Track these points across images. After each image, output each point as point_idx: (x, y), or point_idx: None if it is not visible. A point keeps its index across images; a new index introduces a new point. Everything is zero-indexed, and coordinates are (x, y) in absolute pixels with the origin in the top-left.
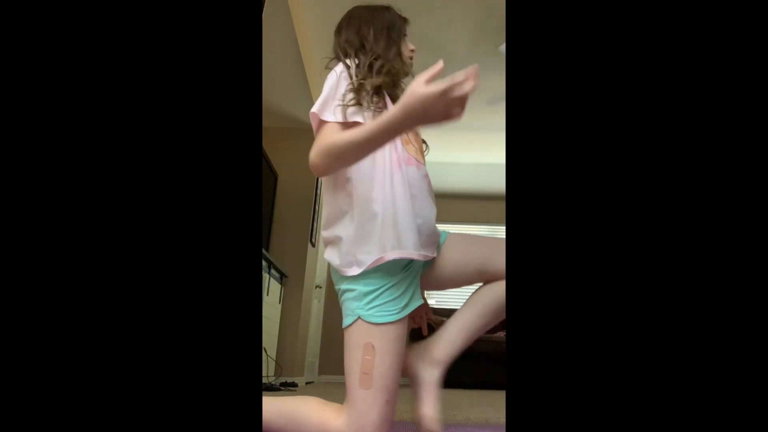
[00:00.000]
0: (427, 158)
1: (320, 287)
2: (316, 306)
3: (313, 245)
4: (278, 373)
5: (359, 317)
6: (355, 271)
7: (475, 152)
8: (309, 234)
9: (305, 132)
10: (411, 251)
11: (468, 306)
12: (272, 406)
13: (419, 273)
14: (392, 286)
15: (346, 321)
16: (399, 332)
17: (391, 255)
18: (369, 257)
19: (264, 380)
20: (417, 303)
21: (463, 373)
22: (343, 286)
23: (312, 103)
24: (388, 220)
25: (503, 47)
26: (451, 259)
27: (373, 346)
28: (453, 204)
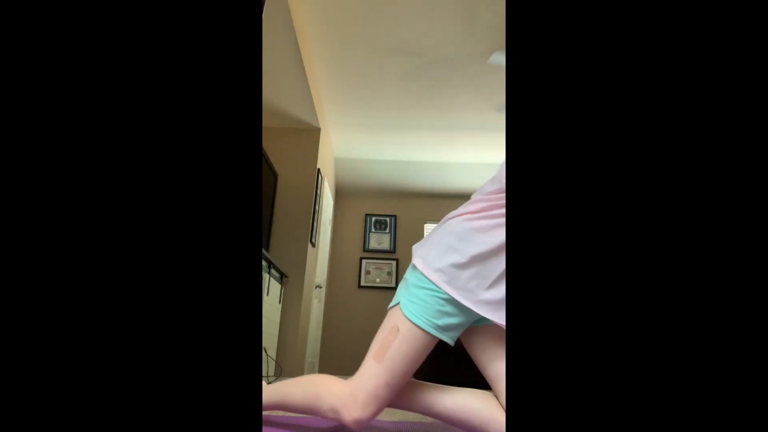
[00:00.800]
0: (427, 158)
1: (320, 287)
2: (316, 306)
3: (313, 245)
4: (278, 373)
5: (399, 303)
6: (418, 262)
7: (475, 152)
8: (309, 234)
9: (305, 132)
10: (448, 287)
11: (453, 402)
12: (290, 383)
13: (472, 315)
14: (439, 297)
15: (392, 303)
16: (427, 340)
17: (431, 274)
18: (428, 260)
19: (264, 380)
20: (449, 338)
21: (462, 373)
22: (408, 272)
23: (312, 103)
24: (456, 248)
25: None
26: (488, 342)
27: (398, 330)
28: (453, 204)
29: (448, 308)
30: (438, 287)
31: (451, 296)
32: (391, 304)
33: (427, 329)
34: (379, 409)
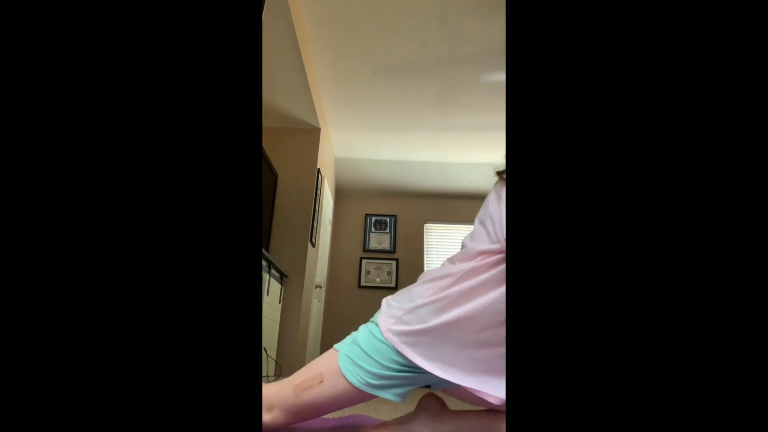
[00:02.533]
0: (427, 158)
1: (320, 287)
2: (316, 306)
3: (313, 245)
4: (278, 373)
5: (336, 351)
6: (382, 318)
7: (475, 152)
8: (309, 234)
9: (305, 132)
10: (403, 347)
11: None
12: None
13: (418, 381)
14: (375, 362)
15: (337, 344)
16: (351, 394)
17: (388, 328)
18: (386, 318)
19: (264, 380)
20: (389, 396)
21: None
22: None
23: (312, 103)
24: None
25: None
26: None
27: (322, 381)
28: (453, 204)
29: (386, 371)
30: (378, 356)
31: (390, 361)
32: (336, 345)
33: (359, 389)
34: (289, 421)
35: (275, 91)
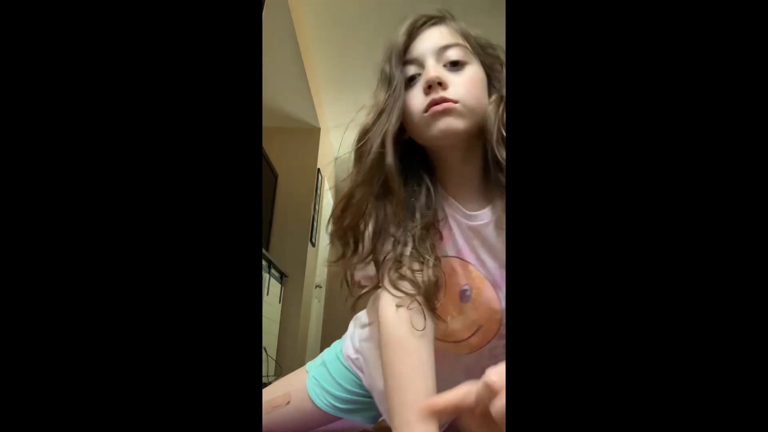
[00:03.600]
0: None
1: (320, 287)
2: (316, 306)
3: (313, 245)
4: (278, 373)
5: (307, 372)
6: (346, 342)
7: None
8: (309, 234)
9: (305, 132)
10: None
11: None
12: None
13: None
14: (340, 386)
15: (309, 362)
16: (319, 417)
17: (348, 355)
18: (349, 343)
19: (264, 380)
20: (359, 419)
21: None
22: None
23: (312, 103)
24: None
25: None
26: None
27: (289, 402)
28: None
29: (350, 395)
30: (344, 379)
31: (352, 388)
32: (307, 364)
33: (325, 411)
34: None
35: (275, 91)
